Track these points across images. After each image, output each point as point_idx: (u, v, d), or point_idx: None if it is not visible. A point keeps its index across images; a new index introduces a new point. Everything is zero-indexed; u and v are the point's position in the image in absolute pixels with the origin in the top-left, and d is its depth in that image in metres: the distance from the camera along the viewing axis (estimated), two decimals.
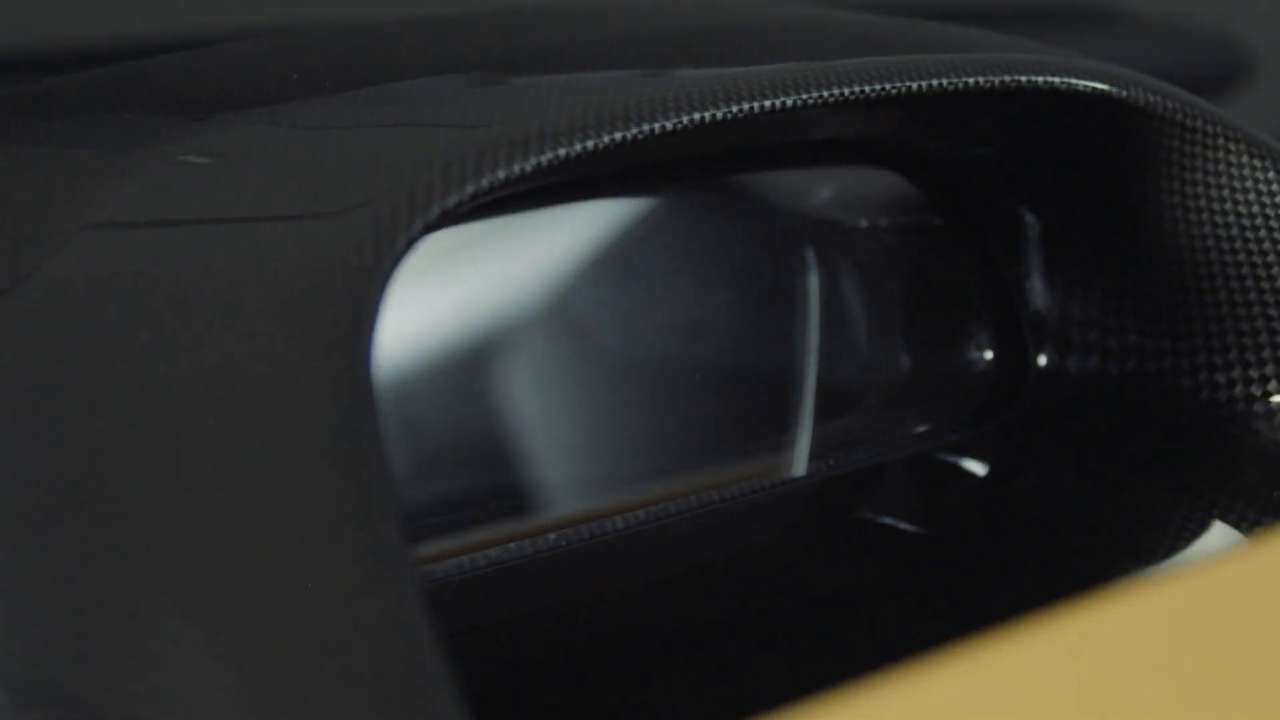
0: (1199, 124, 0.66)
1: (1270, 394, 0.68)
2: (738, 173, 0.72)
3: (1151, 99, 0.66)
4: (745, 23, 0.65)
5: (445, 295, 0.68)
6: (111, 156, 0.56)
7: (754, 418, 0.72)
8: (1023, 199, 0.71)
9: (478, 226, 0.68)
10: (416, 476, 0.65)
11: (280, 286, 0.51)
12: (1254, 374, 0.68)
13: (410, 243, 0.52)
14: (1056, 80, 0.65)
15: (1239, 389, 0.68)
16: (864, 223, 0.72)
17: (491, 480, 0.67)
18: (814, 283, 0.72)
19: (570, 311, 0.70)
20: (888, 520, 0.72)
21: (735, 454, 0.71)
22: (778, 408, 0.72)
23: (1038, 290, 0.72)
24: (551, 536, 0.66)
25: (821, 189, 0.73)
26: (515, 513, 0.67)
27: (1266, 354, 0.68)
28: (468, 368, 0.68)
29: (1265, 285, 0.67)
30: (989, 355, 0.73)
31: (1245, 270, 0.68)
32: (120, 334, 0.51)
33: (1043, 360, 0.72)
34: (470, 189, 0.53)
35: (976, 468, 0.73)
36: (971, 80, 0.63)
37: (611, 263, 0.70)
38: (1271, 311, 0.67)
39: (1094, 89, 0.65)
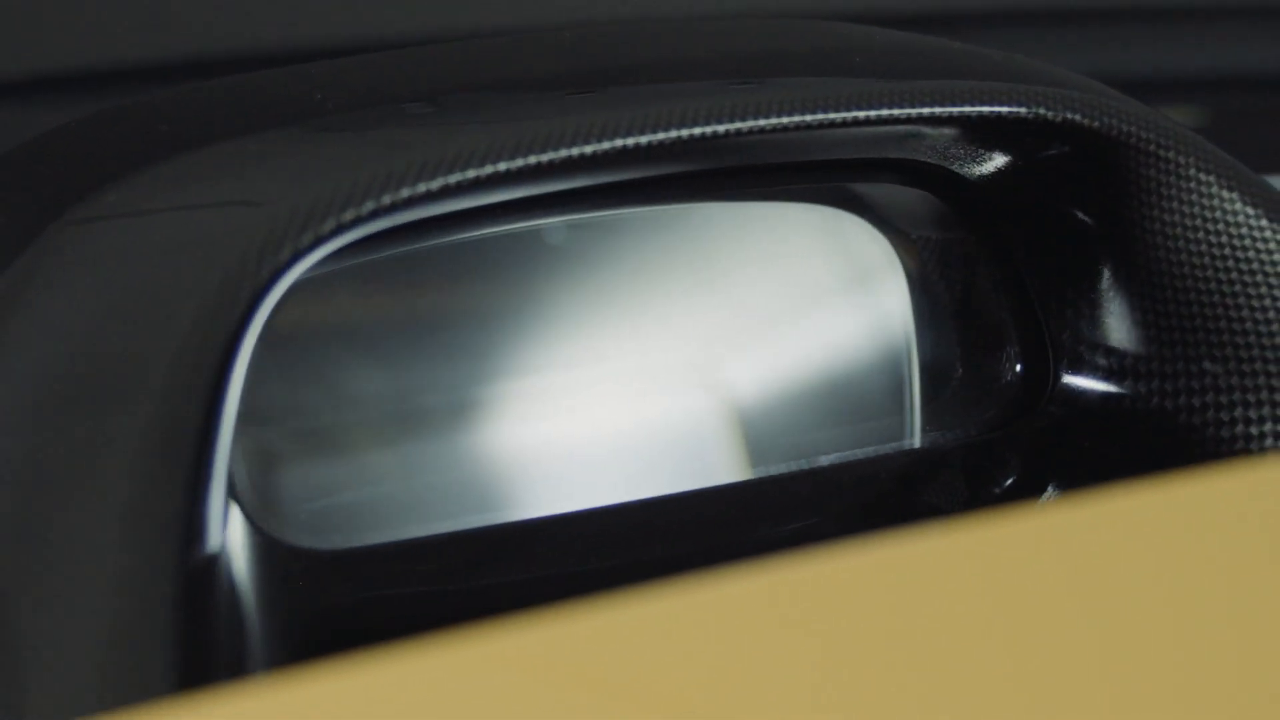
0: (1170, 154, 0.68)
1: (1237, 420, 0.69)
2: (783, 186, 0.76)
3: (1124, 128, 0.68)
4: (706, 49, 0.70)
5: (535, 288, 0.74)
6: (100, 172, 0.64)
7: (784, 416, 0.76)
8: (1039, 221, 0.74)
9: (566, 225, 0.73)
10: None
11: (175, 267, 0.58)
12: (1224, 399, 0.69)
13: (298, 253, 0.58)
14: (1023, 110, 0.68)
15: (1210, 414, 0.69)
16: (901, 237, 0.76)
17: (622, 449, 0.73)
18: (865, 288, 0.76)
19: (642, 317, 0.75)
20: (900, 512, 0.75)
21: (767, 448, 0.76)
22: (814, 405, 0.76)
23: (1055, 309, 0.74)
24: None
25: (867, 205, 0.76)
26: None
27: (1235, 380, 0.69)
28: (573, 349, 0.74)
29: (1233, 314, 0.69)
30: (1018, 368, 0.76)
31: (1216, 299, 0.69)
32: (63, 310, 0.60)
33: (1061, 376, 0.75)
34: (370, 205, 0.60)
35: (999, 473, 0.76)
36: (926, 110, 0.66)
37: (670, 270, 0.75)
38: (1239, 340, 0.69)
39: (1064, 119, 0.68)
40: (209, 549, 0.54)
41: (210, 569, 0.54)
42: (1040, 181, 0.72)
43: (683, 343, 0.75)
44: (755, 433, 0.76)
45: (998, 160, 0.72)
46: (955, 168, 0.74)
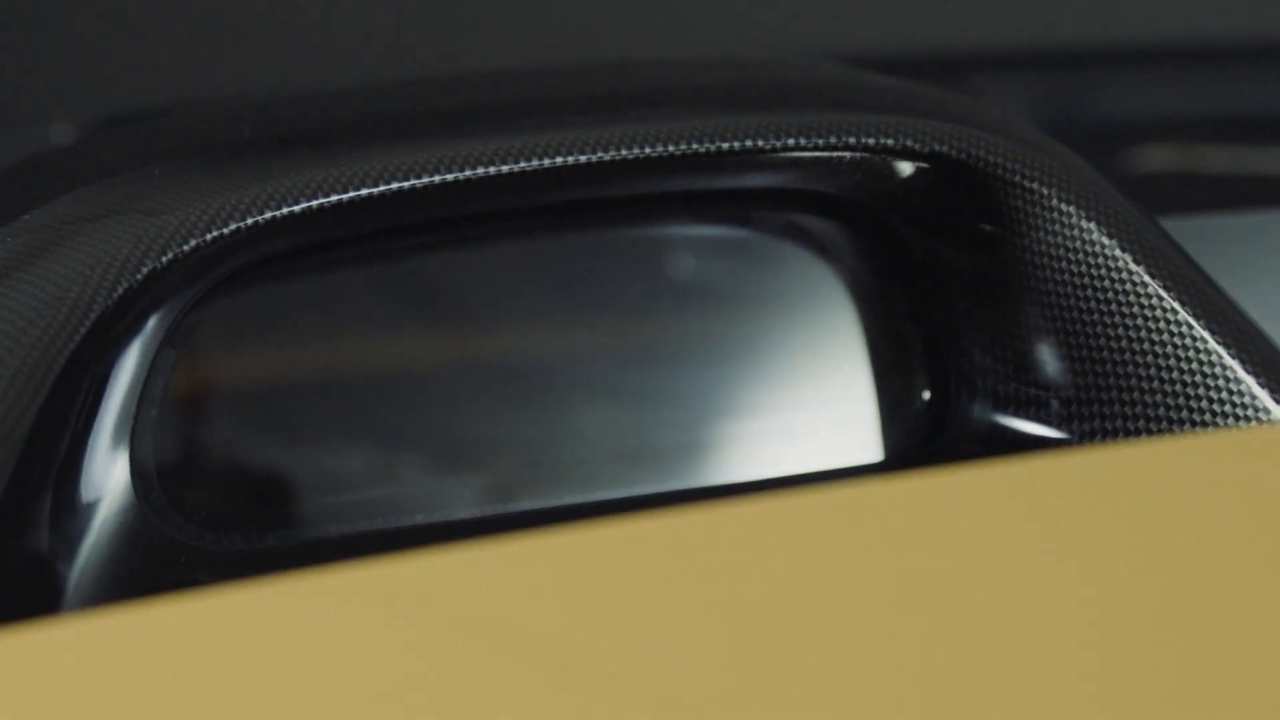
0: (1035, 185, 0.70)
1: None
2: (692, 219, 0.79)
3: (989, 160, 0.70)
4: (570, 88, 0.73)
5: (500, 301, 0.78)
6: (35, 197, 0.70)
7: (724, 431, 0.79)
8: (935, 251, 0.76)
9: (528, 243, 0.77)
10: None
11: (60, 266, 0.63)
12: (1090, 427, 0.71)
13: (159, 269, 0.63)
14: (890, 141, 0.70)
15: (1083, 438, 0.71)
16: (805, 266, 0.78)
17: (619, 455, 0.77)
18: (770, 315, 0.79)
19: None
20: None
21: (708, 456, 0.79)
22: (712, 429, 0.79)
23: (953, 338, 0.76)
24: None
25: (774, 235, 0.79)
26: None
27: (1097, 409, 0.71)
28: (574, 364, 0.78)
29: (1093, 342, 0.70)
30: (923, 396, 0.78)
31: (1079, 327, 0.71)
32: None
33: (959, 404, 0.77)
34: (250, 220, 0.64)
35: None
36: (791, 140, 0.69)
37: (590, 294, 0.79)
38: (1103, 368, 0.70)
39: (931, 150, 0.70)
40: (35, 532, 0.59)
41: (37, 550, 0.59)
42: (930, 213, 0.74)
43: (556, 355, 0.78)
44: (635, 454, 0.79)
45: (888, 191, 0.74)
46: (854, 197, 0.76)
